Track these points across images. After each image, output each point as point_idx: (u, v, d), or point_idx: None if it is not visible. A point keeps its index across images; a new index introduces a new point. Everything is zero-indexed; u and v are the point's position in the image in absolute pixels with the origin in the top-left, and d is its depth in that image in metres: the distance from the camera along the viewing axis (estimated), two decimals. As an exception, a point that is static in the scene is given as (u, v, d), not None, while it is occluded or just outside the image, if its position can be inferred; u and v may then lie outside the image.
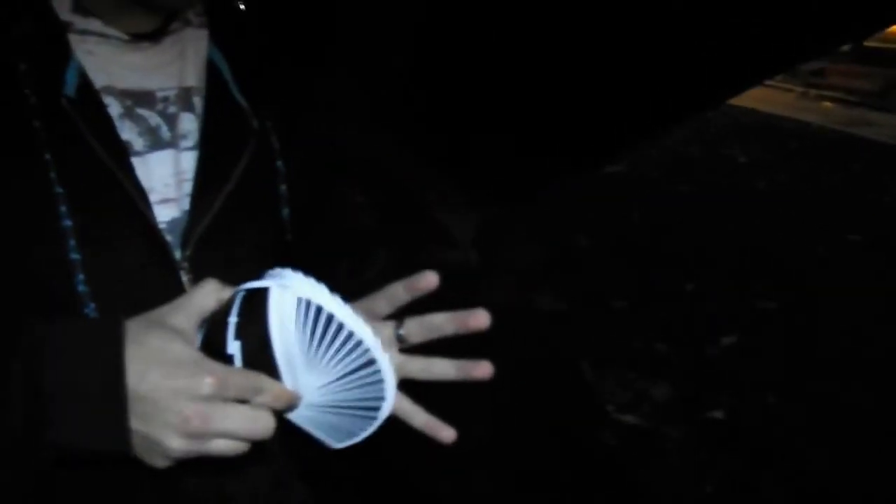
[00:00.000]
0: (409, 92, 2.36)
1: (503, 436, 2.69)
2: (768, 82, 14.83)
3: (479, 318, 0.73)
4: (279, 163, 0.88)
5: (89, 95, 0.77)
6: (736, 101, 12.08)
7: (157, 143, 0.82)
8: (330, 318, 0.66)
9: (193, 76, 0.87)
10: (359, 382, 0.71)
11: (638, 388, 3.41)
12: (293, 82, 0.98)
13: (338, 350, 0.68)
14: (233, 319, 0.67)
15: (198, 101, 0.86)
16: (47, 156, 0.74)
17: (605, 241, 5.28)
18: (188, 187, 0.80)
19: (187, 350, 0.64)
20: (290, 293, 0.66)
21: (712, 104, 2.52)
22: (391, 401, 0.72)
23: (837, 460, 2.92)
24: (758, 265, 4.99)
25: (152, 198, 0.79)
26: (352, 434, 0.77)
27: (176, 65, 0.86)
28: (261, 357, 0.67)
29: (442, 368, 0.76)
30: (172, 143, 0.83)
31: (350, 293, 0.74)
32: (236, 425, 0.63)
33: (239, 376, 0.65)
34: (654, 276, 4.72)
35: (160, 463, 0.64)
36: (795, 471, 2.86)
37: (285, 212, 0.89)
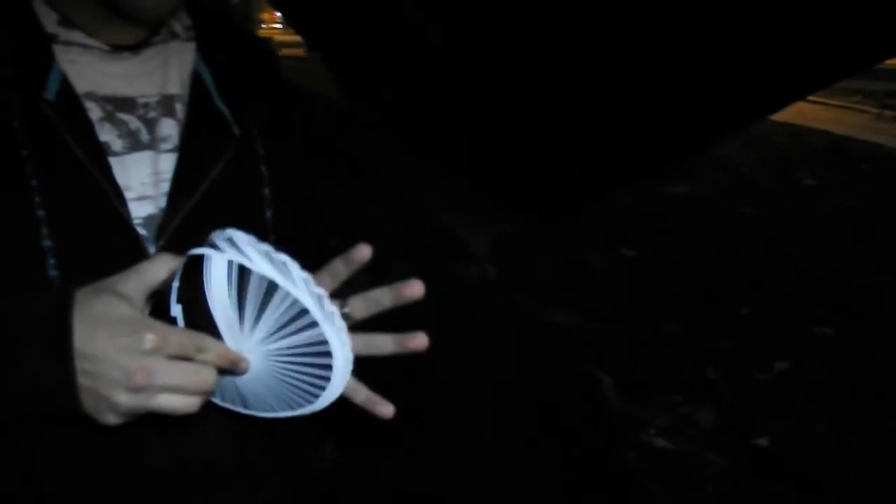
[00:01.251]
0: (433, 104, 2.39)
1: (513, 449, 2.69)
2: (842, 103, 14.46)
3: (414, 288, 0.78)
4: (263, 168, 0.94)
5: (70, 99, 0.84)
6: (808, 122, 11.79)
7: (135, 145, 0.88)
8: (267, 282, 0.69)
9: (177, 85, 0.93)
10: (306, 347, 0.74)
11: (683, 413, 3.37)
12: (281, 95, 1.05)
13: (278, 313, 0.71)
14: (175, 284, 0.71)
15: (180, 108, 0.92)
16: (24, 153, 0.80)
17: (661, 261, 5.22)
18: (166, 186, 0.86)
19: (130, 311, 0.69)
20: (220, 257, 0.70)
21: (742, 122, 2.49)
22: (342, 367, 0.74)
23: (888, 498, 2.84)
24: (818, 290, 4.88)
25: (129, 195, 0.84)
26: (298, 405, 0.80)
27: (158, 74, 0.92)
28: (200, 319, 0.71)
29: (382, 343, 0.81)
30: (151, 146, 0.89)
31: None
32: (178, 379, 0.68)
33: (179, 333, 0.70)
34: (708, 298, 4.65)
35: (111, 419, 0.69)
36: (840, 504, 2.79)
37: (269, 214, 0.94)
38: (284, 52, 14.02)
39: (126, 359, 0.67)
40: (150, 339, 0.67)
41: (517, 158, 2.37)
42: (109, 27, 0.87)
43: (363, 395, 0.82)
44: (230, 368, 0.72)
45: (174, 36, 0.95)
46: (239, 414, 0.83)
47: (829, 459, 3.08)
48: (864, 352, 4.05)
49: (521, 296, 3.43)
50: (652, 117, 2.21)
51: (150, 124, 0.89)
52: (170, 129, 0.91)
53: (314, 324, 0.72)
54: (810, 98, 13.53)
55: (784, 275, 5.10)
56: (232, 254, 0.70)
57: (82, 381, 0.68)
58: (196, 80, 0.94)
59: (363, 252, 0.79)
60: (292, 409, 0.82)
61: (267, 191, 0.94)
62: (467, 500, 2.52)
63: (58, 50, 0.85)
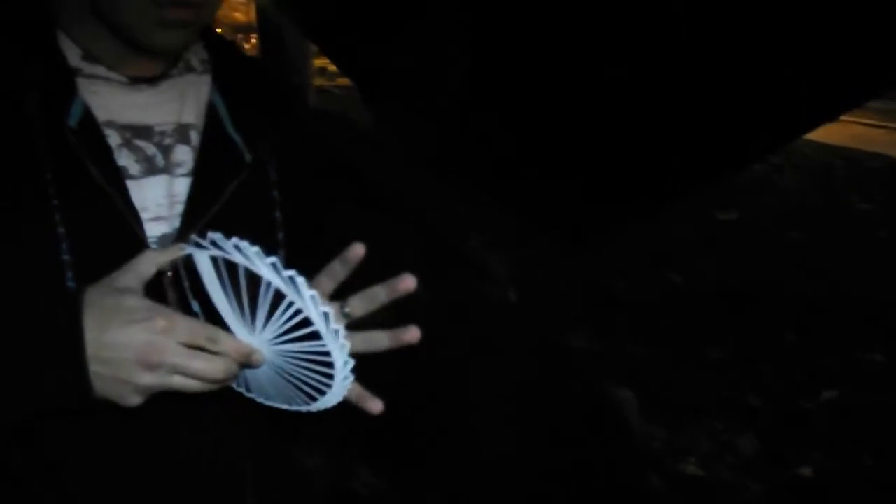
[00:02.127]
0: (458, 123, 2.43)
1: (533, 473, 2.68)
2: (900, 126, 14.13)
3: (407, 282, 0.87)
4: (275, 192, 1.01)
5: (91, 126, 0.90)
6: (863, 145, 11.55)
7: (152, 170, 0.95)
8: (275, 290, 0.75)
9: (192, 114, 1.00)
10: (310, 355, 0.79)
11: (723, 440, 3.33)
12: (297, 122, 1.12)
13: (283, 320, 0.77)
14: (185, 283, 0.80)
15: (194, 136, 0.99)
16: (48, 174, 0.86)
17: (706, 286, 5.17)
18: (180, 208, 0.93)
19: (139, 301, 0.77)
20: (204, 254, 0.76)
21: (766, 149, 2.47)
22: (341, 380, 0.80)
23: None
24: (868, 317, 4.76)
25: (145, 216, 0.91)
26: (296, 403, 0.86)
27: (175, 104, 0.99)
28: (213, 314, 0.79)
29: (379, 339, 0.89)
30: (167, 170, 0.96)
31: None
32: (190, 362, 0.75)
33: (188, 321, 0.77)
34: (754, 323, 4.58)
35: (133, 400, 0.76)
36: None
37: (280, 235, 1.00)
38: (340, 81, 14.21)
39: (139, 339, 0.74)
40: (160, 322, 0.75)
41: (544, 179, 2.39)
42: (129, 61, 0.94)
43: (354, 392, 0.88)
44: (244, 361, 0.78)
45: (191, 69, 1.02)
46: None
47: (874, 492, 3.01)
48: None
49: (542, 319, 3.44)
50: (673, 140, 2.22)
51: (166, 150, 0.96)
52: (185, 154, 0.97)
53: (318, 335, 0.77)
54: (865, 121, 13.29)
55: (833, 301, 5.00)
56: (236, 257, 0.75)
57: (100, 369, 0.75)
58: (211, 110, 1.01)
59: (357, 251, 0.87)
60: (289, 404, 0.88)
61: (278, 214, 1.01)
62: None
63: (81, 82, 0.92)
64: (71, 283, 0.86)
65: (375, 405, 0.88)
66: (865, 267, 5.81)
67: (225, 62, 1.06)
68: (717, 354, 4.17)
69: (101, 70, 0.94)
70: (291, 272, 0.75)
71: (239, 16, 17.67)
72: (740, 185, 7.73)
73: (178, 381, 0.76)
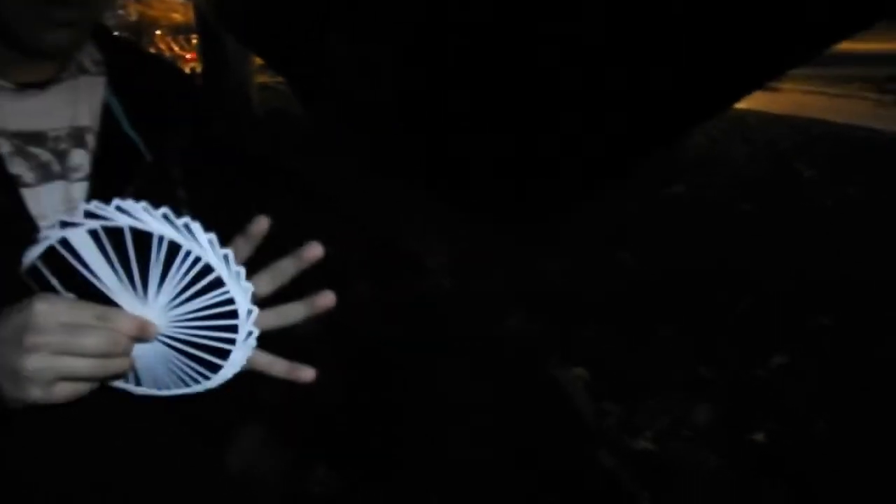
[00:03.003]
0: (387, 112, 2.42)
1: (485, 466, 2.69)
2: (841, 91, 14.40)
3: (314, 251, 0.83)
4: (181, 191, 0.99)
5: None
6: (807, 112, 11.73)
7: (47, 176, 0.92)
8: (168, 243, 0.72)
9: (87, 117, 0.97)
10: (211, 310, 0.75)
11: (677, 414, 3.36)
12: (205, 120, 1.10)
13: (181, 274, 0.73)
14: (45, 270, 0.75)
15: (90, 138, 0.96)
16: None
17: (656, 263, 5.21)
18: None
19: (19, 304, 0.73)
20: (80, 231, 0.72)
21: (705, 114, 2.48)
22: (245, 304, 0.75)
23: (885, 495, 2.81)
24: (817, 285, 4.84)
25: (43, 224, 0.88)
26: (198, 379, 0.81)
27: (68, 108, 0.96)
28: (94, 294, 0.74)
29: (294, 311, 0.85)
30: (63, 176, 0.93)
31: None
32: (74, 337, 0.72)
33: (69, 300, 0.74)
34: (705, 297, 4.63)
35: (35, 393, 0.73)
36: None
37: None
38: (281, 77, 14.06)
39: (16, 323, 0.72)
40: (37, 305, 0.71)
41: (480, 165, 2.39)
42: (15, 67, 0.90)
43: (282, 366, 0.85)
44: (139, 335, 0.75)
45: (84, 71, 0.98)
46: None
47: (826, 455, 3.06)
48: (864, 346, 4.02)
49: (482, 306, 3.45)
50: (606, 113, 2.22)
51: (61, 155, 0.93)
52: (80, 158, 0.95)
53: (219, 283, 0.74)
54: (808, 88, 13.51)
55: (782, 270, 5.07)
56: (120, 219, 0.71)
57: (3, 382, 0.72)
58: (106, 111, 0.98)
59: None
60: (188, 385, 0.83)
61: (186, 212, 0.97)
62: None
63: None
64: None
65: (307, 373, 0.84)
66: (812, 235, 5.90)
67: (120, 61, 1.03)
68: (669, 330, 4.21)
69: None
70: (185, 219, 0.72)
71: (177, 17, 17.42)
72: (685, 159, 7.81)
73: (69, 363, 0.72)
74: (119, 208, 0.73)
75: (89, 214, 0.73)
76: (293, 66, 2.75)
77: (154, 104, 1.02)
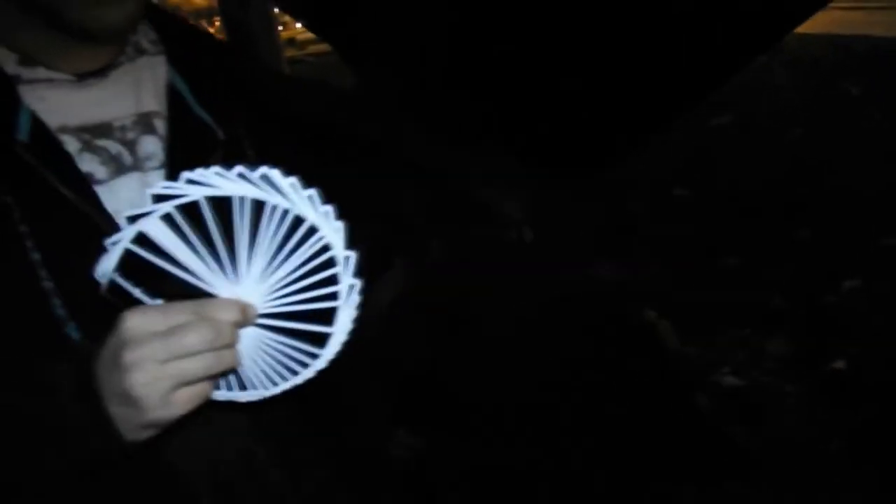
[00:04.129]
0: (447, 72, 2.38)
1: (578, 414, 2.68)
2: (879, 4, 13.93)
3: None
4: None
5: (43, 137, 0.82)
6: (847, 29, 11.35)
7: (120, 169, 0.87)
8: (223, 207, 0.67)
9: (153, 101, 0.91)
10: (309, 265, 0.70)
11: (754, 346, 3.32)
12: (266, 92, 1.04)
13: (272, 232, 0.68)
14: (125, 282, 0.70)
15: (159, 123, 0.91)
16: (7, 199, 0.79)
17: (713, 196, 5.12)
18: None
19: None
20: (151, 221, 0.68)
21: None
22: (342, 251, 0.70)
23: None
24: (878, 203, 4.71)
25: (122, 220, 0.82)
26: (301, 365, 0.76)
27: (131, 93, 0.90)
28: (173, 291, 0.70)
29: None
30: (136, 167, 0.88)
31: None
32: (179, 339, 0.68)
33: (156, 308, 0.70)
34: (767, 226, 4.54)
35: (156, 412, 0.69)
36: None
37: None
38: (311, 49, 14.03)
39: (113, 347, 0.68)
40: (126, 322, 0.68)
41: (543, 114, 2.35)
42: (71, 55, 0.85)
43: None
44: (239, 318, 0.71)
45: (141, 52, 0.93)
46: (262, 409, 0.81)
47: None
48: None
49: (564, 254, 3.41)
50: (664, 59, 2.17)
51: (131, 145, 0.88)
52: (152, 146, 0.90)
53: (312, 232, 0.69)
54: (846, 4, 13.08)
55: (840, 192, 4.95)
56: (190, 190, 0.67)
57: (118, 411, 0.70)
58: (172, 93, 0.93)
59: None
60: (296, 372, 0.77)
61: None
62: (541, 466, 2.53)
63: (23, 90, 0.84)
64: (60, 312, 0.79)
65: None
66: (866, 154, 5.74)
67: (178, 39, 0.97)
68: (735, 262, 4.15)
69: (41, 72, 0.85)
70: (261, 170, 0.68)
71: (199, 0, 17.39)
72: (730, 89, 7.62)
73: (179, 368, 0.69)
74: (190, 181, 0.68)
75: (159, 198, 0.68)
76: (341, 28, 2.71)
77: (217, 80, 0.97)
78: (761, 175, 5.48)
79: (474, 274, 2.69)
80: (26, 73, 0.85)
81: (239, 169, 0.68)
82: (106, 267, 0.70)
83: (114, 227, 0.77)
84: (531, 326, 2.79)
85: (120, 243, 0.69)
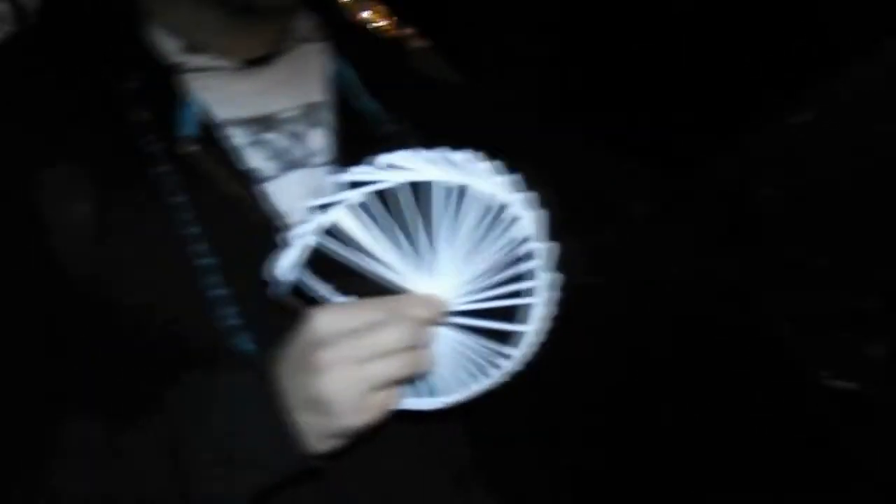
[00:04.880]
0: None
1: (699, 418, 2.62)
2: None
3: None
4: None
5: (211, 131, 0.78)
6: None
7: (287, 165, 0.82)
8: (421, 194, 0.62)
9: (319, 91, 0.85)
10: (497, 247, 0.64)
11: (853, 348, 3.25)
12: (422, 83, 0.96)
13: (448, 218, 0.64)
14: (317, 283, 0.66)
15: (326, 115, 0.85)
16: (176, 199, 0.75)
17: (801, 197, 4.98)
18: None
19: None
20: (338, 211, 0.63)
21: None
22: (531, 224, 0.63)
23: None
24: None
25: (290, 218, 0.79)
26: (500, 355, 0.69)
27: (296, 83, 0.84)
28: (361, 287, 0.65)
29: None
30: (303, 162, 0.82)
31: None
32: (372, 338, 0.64)
33: (348, 305, 0.65)
34: (852, 225, 4.41)
35: (350, 417, 0.65)
36: None
37: None
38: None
39: (302, 348, 0.65)
40: (317, 320, 0.64)
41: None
42: (237, 39, 0.79)
43: None
44: (434, 314, 0.66)
45: (303, 40, 0.85)
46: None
47: None
48: None
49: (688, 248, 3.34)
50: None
51: (299, 139, 0.82)
52: (320, 140, 0.83)
53: (514, 220, 0.64)
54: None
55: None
56: (396, 177, 0.61)
57: (306, 418, 0.66)
58: (337, 82, 0.86)
59: None
60: (486, 374, 0.71)
61: None
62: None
63: (187, 80, 0.79)
64: (233, 320, 0.74)
65: None
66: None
67: (340, 25, 0.89)
68: (825, 262, 4.04)
69: (206, 60, 0.79)
70: (462, 153, 0.62)
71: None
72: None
73: (375, 369, 0.64)
74: (390, 165, 0.63)
75: (354, 185, 0.63)
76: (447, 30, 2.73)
77: (382, 68, 0.88)
78: (847, 172, 5.31)
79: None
80: (191, 60, 0.79)
81: (442, 151, 0.63)
82: (288, 263, 0.66)
83: (282, 229, 0.75)
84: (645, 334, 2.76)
85: (307, 236, 0.65)
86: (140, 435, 0.70)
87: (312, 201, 0.66)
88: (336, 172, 0.75)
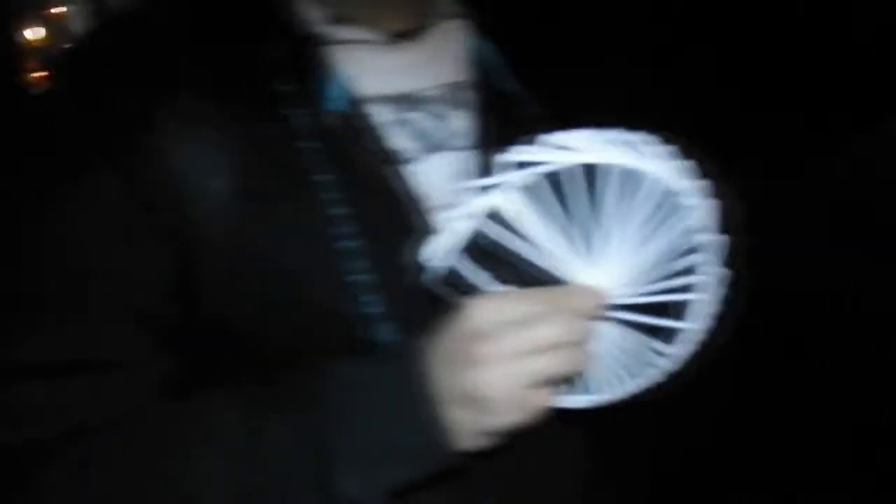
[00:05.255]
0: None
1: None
2: None
3: None
4: None
5: (357, 107, 0.75)
6: None
7: (430, 147, 0.78)
8: (591, 176, 0.59)
9: (460, 70, 0.82)
10: (671, 243, 0.61)
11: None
12: (578, 62, 0.90)
13: (619, 203, 0.60)
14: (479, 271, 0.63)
15: (469, 96, 0.81)
16: (320, 177, 0.71)
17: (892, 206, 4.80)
18: None
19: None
20: (508, 191, 0.60)
21: None
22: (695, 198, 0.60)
23: None
24: None
25: (431, 203, 0.74)
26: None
27: (439, 61, 0.81)
28: (518, 276, 0.62)
29: None
30: (445, 144, 0.79)
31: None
32: (532, 330, 0.60)
33: (508, 295, 0.62)
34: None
35: (509, 415, 0.61)
36: None
37: None
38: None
39: (458, 338, 0.61)
40: (477, 310, 0.61)
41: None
42: (382, 11, 0.77)
43: None
44: (598, 307, 0.63)
45: (443, 15, 0.83)
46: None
47: None
48: None
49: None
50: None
51: (442, 120, 0.79)
52: (462, 121, 0.80)
53: (684, 208, 0.60)
54: None
55: None
56: (570, 158, 0.58)
57: (458, 414, 0.62)
58: (481, 62, 0.83)
59: None
60: (644, 370, 0.67)
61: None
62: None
63: (332, 52, 0.76)
64: (375, 308, 0.70)
65: None
66: None
67: (486, 2, 0.85)
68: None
69: (353, 32, 0.76)
70: (637, 135, 0.59)
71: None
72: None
73: (537, 365, 0.60)
74: (560, 146, 0.60)
75: (522, 164, 0.60)
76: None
77: (525, 47, 0.85)
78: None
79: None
80: (337, 32, 0.76)
81: (610, 134, 0.60)
82: (443, 249, 0.63)
83: (425, 214, 0.72)
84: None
85: (464, 220, 0.62)
86: (281, 425, 0.66)
87: (472, 182, 0.63)
88: (486, 155, 0.73)
